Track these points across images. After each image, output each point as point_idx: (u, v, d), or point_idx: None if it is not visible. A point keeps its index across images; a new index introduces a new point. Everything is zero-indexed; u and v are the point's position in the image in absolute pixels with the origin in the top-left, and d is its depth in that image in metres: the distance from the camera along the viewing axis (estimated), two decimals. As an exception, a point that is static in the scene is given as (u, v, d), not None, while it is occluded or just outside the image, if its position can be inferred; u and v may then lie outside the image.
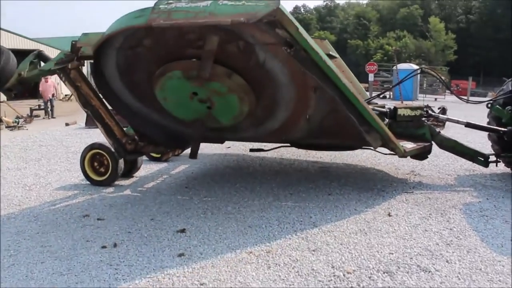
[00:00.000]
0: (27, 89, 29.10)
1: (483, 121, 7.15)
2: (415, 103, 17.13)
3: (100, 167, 6.60)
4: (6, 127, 14.32)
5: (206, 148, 8.82)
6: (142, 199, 5.87)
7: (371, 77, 26.69)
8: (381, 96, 11.16)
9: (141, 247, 4.30)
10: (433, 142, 6.46)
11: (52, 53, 6.82)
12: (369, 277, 3.66)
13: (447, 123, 6.89)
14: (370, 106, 5.94)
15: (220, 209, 5.39)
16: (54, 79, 27.64)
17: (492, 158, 6.63)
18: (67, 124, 14.68)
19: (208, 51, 4.69)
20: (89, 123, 13.74)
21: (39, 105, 19.16)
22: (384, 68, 35.60)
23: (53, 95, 18.25)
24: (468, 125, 6.68)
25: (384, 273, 3.73)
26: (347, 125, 5.39)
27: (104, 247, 4.32)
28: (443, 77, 9.64)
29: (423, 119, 6.57)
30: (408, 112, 6.44)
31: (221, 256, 4.08)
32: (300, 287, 3.54)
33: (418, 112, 6.47)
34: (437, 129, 6.65)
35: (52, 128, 13.93)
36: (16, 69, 5.98)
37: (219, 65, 4.89)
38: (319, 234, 4.57)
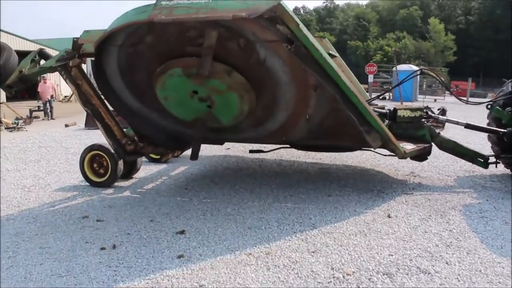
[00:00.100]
0: (26, 88, 29.19)
1: (483, 122, 7.16)
2: (414, 104, 17.13)
3: (100, 168, 6.60)
4: (5, 128, 14.31)
5: (205, 150, 8.80)
6: (142, 201, 5.86)
7: (370, 78, 26.68)
8: (380, 97, 11.14)
9: (140, 249, 4.29)
10: (432, 143, 6.46)
11: (52, 54, 6.83)
12: (369, 279, 3.66)
13: (446, 124, 6.88)
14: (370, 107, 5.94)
15: (220, 211, 5.39)
16: (54, 81, 27.73)
17: (492, 159, 6.63)
18: (66, 125, 14.67)
19: (207, 47, 4.70)
20: (89, 124, 13.74)
21: (38, 107, 19.15)
22: (383, 69, 35.60)
23: (51, 96, 18.24)
24: (468, 126, 6.67)
25: (383, 274, 3.72)
26: (347, 125, 5.38)
27: (103, 248, 4.32)
28: (442, 78, 9.63)
29: (423, 120, 6.57)
30: (408, 114, 6.43)
31: (221, 257, 4.08)
32: (300, 289, 3.53)
33: (418, 114, 6.46)
34: (437, 130, 6.65)
35: (52, 129, 13.93)
36: (17, 66, 5.99)
37: (220, 62, 4.91)
38: (319, 236, 4.57)
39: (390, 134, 5.69)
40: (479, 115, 9.76)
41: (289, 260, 4.01)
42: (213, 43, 4.66)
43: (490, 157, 6.59)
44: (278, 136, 6.12)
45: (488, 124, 7.06)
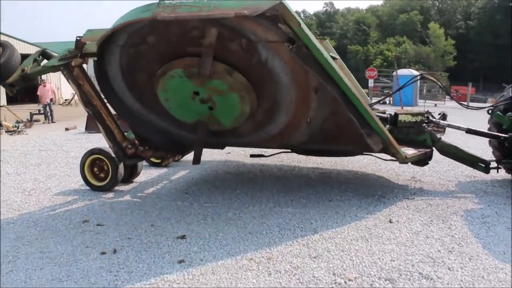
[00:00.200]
0: (27, 91, 29.20)
1: (483, 127, 7.14)
2: (415, 109, 17.13)
3: (100, 172, 6.58)
4: (6, 131, 14.30)
5: (206, 154, 8.78)
6: (142, 205, 5.84)
7: (370, 82, 26.73)
8: (381, 102, 11.15)
9: (141, 253, 4.28)
10: (434, 148, 6.45)
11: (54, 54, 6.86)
12: (371, 285, 3.64)
13: (447, 128, 6.87)
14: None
15: (221, 215, 5.37)
16: (55, 84, 27.73)
17: (493, 164, 6.61)
18: (67, 129, 14.67)
19: (208, 45, 4.72)
20: (89, 128, 13.74)
21: (39, 110, 19.15)
22: (383, 74, 35.64)
23: (51, 100, 18.26)
24: (469, 131, 6.67)
25: (385, 280, 3.71)
26: (348, 128, 5.38)
27: (103, 253, 4.30)
28: (443, 83, 9.64)
29: (424, 125, 6.55)
30: (409, 118, 6.42)
31: (222, 262, 4.06)
32: (301, 295, 3.51)
33: (419, 118, 6.45)
34: (438, 135, 6.63)
35: (52, 133, 13.92)
36: (19, 65, 6.00)
37: (221, 63, 4.93)
38: (320, 241, 4.55)
39: (391, 137, 5.68)
40: (479, 120, 9.75)
41: (290, 265, 3.99)
42: (213, 41, 4.69)
43: (491, 162, 6.58)
44: (279, 140, 6.10)
45: (489, 129, 7.05)
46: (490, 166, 6.52)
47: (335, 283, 3.67)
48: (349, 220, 5.19)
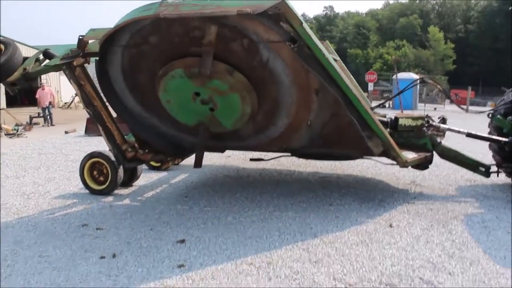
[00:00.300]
0: (26, 94, 29.20)
1: (481, 130, 7.13)
2: (415, 113, 17.13)
3: (100, 176, 6.56)
4: (5, 134, 14.28)
5: (205, 158, 8.72)
6: (142, 209, 5.83)
7: (370, 86, 26.75)
8: (381, 106, 11.13)
9: (140, 258, 4.25)
10: (434, 152, 6.44)
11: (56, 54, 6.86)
12: (371, 290, 3.62)
13: (446, 132, 6.86)
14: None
15: (220, 219, 5.35)
16: (54, 87, 27.72)
17: (493, 168, 6.60)
18: (66, 132, 14.65)
19: (208, 43, 4.73)
20: (89, 131, 13.73)
21: (38, 113, 19.14)
22: (383, 78, 35.69)
23: (50, 103, 18.28)
24: (469, 135, 6.66)
25: (386, 285, 3.69)
26: (349, 131, 5.38)
27: (103, 257, 4.27)
28: (443, 87, 9.63)
29: (424, 129, 6.54)
30: (409, 122, 6.42)
31: (222, 267, 4.03)
32: (302, 300, 3.49)
33: (419, 122, 6.45)
34: (438, 139, 6.62)
35: (52, 136, 13.91)
36: (21, 64, 5.99)
37: (222, 63, 4.94)
38: (320, 245, 4.53)
39: (391, 140, 5.67)
40: (478, 123, 9.75)
41: (290, 270, 3.97)
42: (213, 39, 4.70)
43: (491, 166, 6.57)
44: (279, 143, 6.10)
45: (489, 133, 7.05)
46: (490, 170, 6.51)
47: (336, 288, 3.65)
48: (349, 224, 5.18)
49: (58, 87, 30.74)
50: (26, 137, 14.22)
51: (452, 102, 8.94)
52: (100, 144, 10.63)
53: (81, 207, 5.96)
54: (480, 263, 4.12)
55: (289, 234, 4.86)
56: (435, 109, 26.55)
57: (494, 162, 6.87)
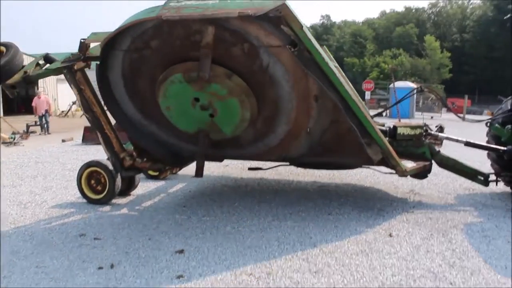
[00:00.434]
0: (23, 103, 29.14)
1: (478, 138, 7.13)
2: (413, 121, 17.16)
3: (97, 185, 6.51)
4: (2, 143, 14.20)
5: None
6: (140, 218, 5.78)
7: (367, 95, 26.84)
8: (379, 114, 11.13)
9: (138, 268, 4.21)
10: (433, 161, 6.43)
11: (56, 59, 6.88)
12: (372, 301, 3.58)
13: (444, 141, 6.87)
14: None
15: (219, 229, 5.31)
16: (52, 96, 27.67)
17: (492, 177, 6.60)
18: (63, 141, 14.60)
19: (205, 45, 4.73)
20: (86, 140, 13.69)
21: (35, 121, 19.10)
22: (380, 86, 35.82)
23: (46, 111, 18.26)
24: (468, 144, 6.66)
25: (387, 296, 3.66)
26: (348, 138, 5.37)
27: (100, 268, 4.22)
28: (442, 96, 9.66)
29: (423, 138, 6.54)
30: (408, 131, 6.42)
31: (221, 278, 3.99)
32: (302, 311, 3.46)
33: (418, 131, 6.44)
34: (436, 148, 6.62)
35: (48, 145, 13.86)
36: (22, 67, 5.98)
37: (221, 67, 4.96)
38: (320, 255, 4.50)
39: (391, 148, 5.66)
40: (476, 131, 9.75)
41: (290, 280, 3.93)
42: (211, 41, 4.72)
43: (490, 175, 6.57)
44: (278, 152, 6.07)
45: (487, 142, 7.05)
46: (489, 179, 6.51)
47: (336, 299, 3.61)
48: (348, 234, 5.15)
49: (55, 95, 30.72)
50: (23, 145, 14.15)
51: (449, 110, 8.95)
52: (97, 153, 10.61)
53: (78, 216, 5.92)
54: (481, 273, 4.09)
55: (288, 244, 4.83)
56: (432, 117, 26.66)
57: (492, 171, 6.87)
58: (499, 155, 6.66)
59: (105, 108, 6.16)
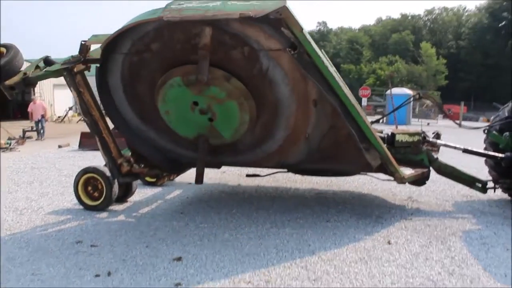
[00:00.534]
0: (19, 108, 29.03)
1: (475, 145, 7.14)
2: (411, 128, 17.19)
3: (94, 191, 6.47)
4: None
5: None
6: (137, 225, 5.74)
7: (364, 101, 26.90)
8: (378, 121, 11.12)
9: (136, 276, 4.17)
10: (431, 168, 6.43)
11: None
12: (372, 309, 3.56)
13: (441, 147, 6.87)
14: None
15: (217, 236, 5.28)
16: (48, 101, 27.59)
17: (490, 184, 6.60)
18: (60, 146, 14.52)
19: (203, 46, 4.73)
20: (83, 146, 13.62)
21: (32, 127, 19.02)
22: (376, 93, 35.92)
23: (42, 116, 18.19)
24: (466, 151, 6.67)
25: (387, 304, 3.63)
26: (347, 144, 5.36)
27: (97, 275, 4.18)
28: (438, 103, 9.67)
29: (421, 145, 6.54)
30: (406, 138, 6.42)
31: (219, 286, 3.96)
32: (302, 320, 3.42)
33: (416, 138, 6.44)
34: (434, 155, 6.62)
35: (45, 150, 13.78)
36: (21, 68, 5.95)
37: (221, 70, 4.97)
38: (319, 263, 4.47)
39: (389, 154, 5.65)
40: (473, 138, 9.76)
41: (289, 288, 3.90)
42: (208, 42, 4.72)
43: (488, 182, 6.57)
44: (276, 158, 6.06)
45: (485, 149, 7.06)
46: (487, 186, 6.51)
47: (336, 307, 3.59)
48: (347, 241, 5.13)
49: (52, 101, 30.62)
50: (19, 151, 14.07)
51: (446, 117, 8.97)
52: (94, 159, 10.54)
53: (75, 223, 5.87)
54: (480, 281, 4.08)
55: (287, 251, 4.80)
56: (428, 124, 26.69)
57: (490, 178, 6.87)
58: (497, 162, 6.67)
59: (104, 112, 6.14)
